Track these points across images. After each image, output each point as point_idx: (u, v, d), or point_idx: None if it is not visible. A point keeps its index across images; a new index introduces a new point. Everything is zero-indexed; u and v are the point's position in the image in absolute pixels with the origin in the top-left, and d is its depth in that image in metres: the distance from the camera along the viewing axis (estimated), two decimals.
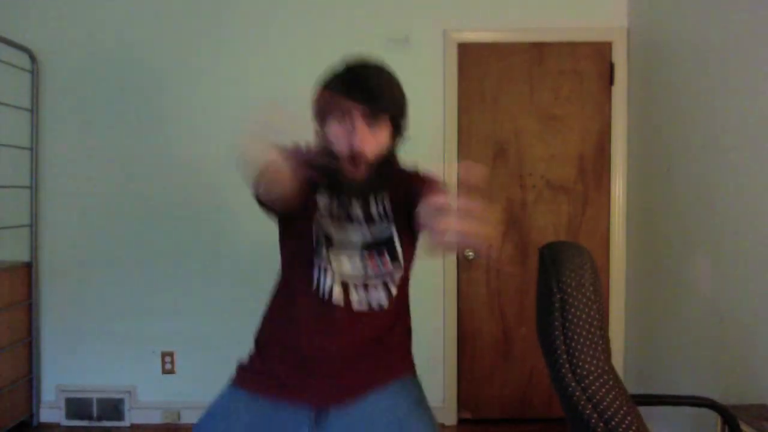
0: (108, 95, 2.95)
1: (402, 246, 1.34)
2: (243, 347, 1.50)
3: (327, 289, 1.31)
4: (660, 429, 2.45)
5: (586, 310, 1.00)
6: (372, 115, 1.24)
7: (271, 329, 1.41)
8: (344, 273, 1.32)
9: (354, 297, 1.31)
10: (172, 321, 2.97)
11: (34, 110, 2.91)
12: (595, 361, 1.00)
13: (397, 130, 1.31)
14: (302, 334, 1.33)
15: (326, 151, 1.27)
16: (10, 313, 2.78)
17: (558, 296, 1.01)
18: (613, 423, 0.97)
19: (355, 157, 1.24)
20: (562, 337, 1.01)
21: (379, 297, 1.33)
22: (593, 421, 0.98)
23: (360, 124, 1.23)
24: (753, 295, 1.86)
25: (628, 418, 0.97)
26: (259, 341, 1.43)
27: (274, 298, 1.43)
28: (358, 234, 1.33)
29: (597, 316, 1.01)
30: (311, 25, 2.92)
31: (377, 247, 1.33)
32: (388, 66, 1.30)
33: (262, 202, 1.28)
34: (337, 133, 1.25)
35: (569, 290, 1.00)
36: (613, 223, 2.95)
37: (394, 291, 1.34)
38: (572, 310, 1.00)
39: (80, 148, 2.96)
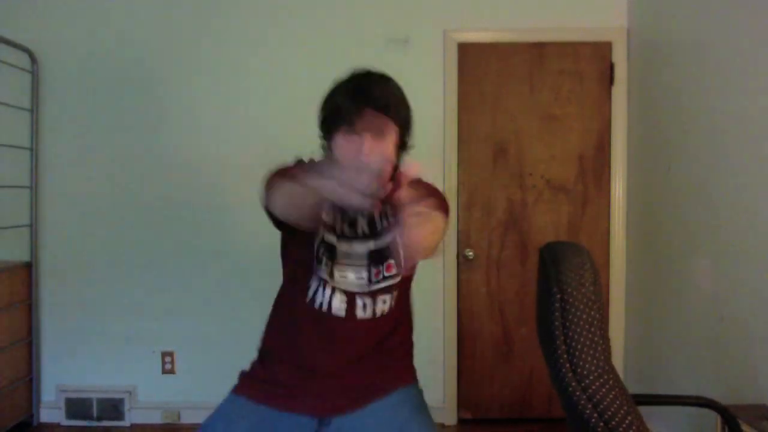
0: (108, 95, 2.95)
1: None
2: (243, 347, 1.50)
3: (325, 301, 1.31)
4: (660, 429, 2.45)
5: (586, 310, 1.00)
6: (378, 127, 1.21)
7: (273, 339, 1.40)
8: (349, 284, 1.31)
9: (359, 304, 1.31)
10: (172, 321, 2.97)
11: (34, 110, 2.91)
12: (595, 361, 1.00)
13: (403, 145, 1.28)
14: (303, 346, 1.33)
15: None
16: (10, 313, 2.78)
17: (558, 296, 1.01)
18: (613, 423, 0.97)
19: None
20: (562, 337, 1.01)
21: (384, 304, 1.33)
22: (593, 421, 0.98)
23: (368, 136, 1.20)
24: (753, 295, 1.86)
25: (628, 418, 0.97)
26: (261, 350, 1.43)
27: (275, 308, 1.42)
28: (363, 246, 1.31)
29: (597, 316, 1.01)
30: (312, 25, 2.92)
31: (381, 255, 1.31)
32: (394, 78, 1.28)
33: (273, 217, 1.25)
34: (343, 145, 1.22)
35: (569, 290, 1.00)
36: (613, 223, 2.95)
37: (395, 295, 1.34)
38: (572, 310, 1.00)
39: (80, 148, 2.96)
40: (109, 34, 2.95)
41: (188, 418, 2.97)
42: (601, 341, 1.01)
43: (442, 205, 1.34)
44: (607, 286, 2.95)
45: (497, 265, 2.98)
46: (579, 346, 1.00)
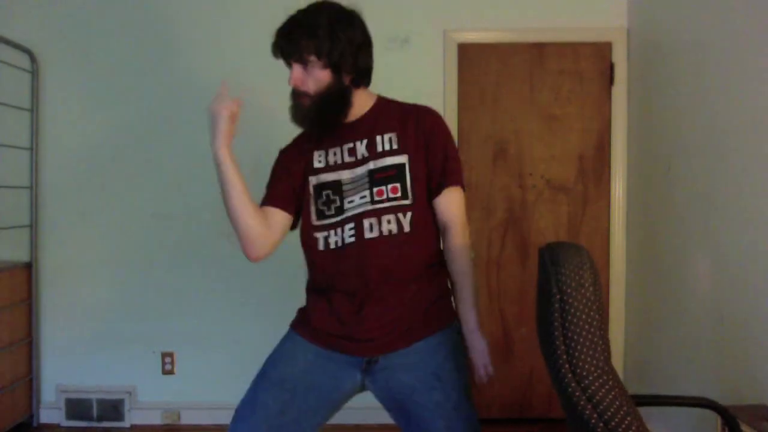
0: (108, 95, 2.95)
1: (412, 177, 1.41)
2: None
3: (339, 241, 1.41)
4: (660, 429, 2.45)
5: (586, 310, 1.00)
6: (293, 56, 1.37)
7: (312, 278, 1.53)
8: (356, 207, 1.40)
9: (365, 226, 1.39)
10: (172, 321, 2.97)
11: (34, 110, 2.91)
12: (595, 362, 1.00)
13: (335, 67, 1.37)
14: (332, 278, 1.44)
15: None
16: (10, 313, 2.78)
17: (557, 296, 1.01)
18: (613, 423, 0.97)
19: (296, 92, 1.42)
20: (561, 338, 1.01)
21: (390, 224, 1.40)
22: (593, 421, 0.98)
23: (294, 64, 1.38)
24: (753, 295, 1.86)
25: (628, 418, 0.97)
26: (307, 289, 1.54)
27: (305, 253, 1.51)
28: (363, 167, 1.41)
29: (597, 316, 1.01)
30: None
31: (384, 176, 1.40)
32: (334, 6, 1.41)
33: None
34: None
35: (569, 290, 1.00)
36: (613, 223, 2.95)
37: (403, 219, 1.40)
38: (572, 310, 1.00)
39: (80, 148, 2.96)
40: (109, 34, 2.94)
41: (188, 419, 2.97)
42: (600, 342, 1.01)
43: (459, 179, 1.47)
44: (607, 286, 2.95)
45: (497, 265, 2.98)
46: (578, 347, 1.00)
